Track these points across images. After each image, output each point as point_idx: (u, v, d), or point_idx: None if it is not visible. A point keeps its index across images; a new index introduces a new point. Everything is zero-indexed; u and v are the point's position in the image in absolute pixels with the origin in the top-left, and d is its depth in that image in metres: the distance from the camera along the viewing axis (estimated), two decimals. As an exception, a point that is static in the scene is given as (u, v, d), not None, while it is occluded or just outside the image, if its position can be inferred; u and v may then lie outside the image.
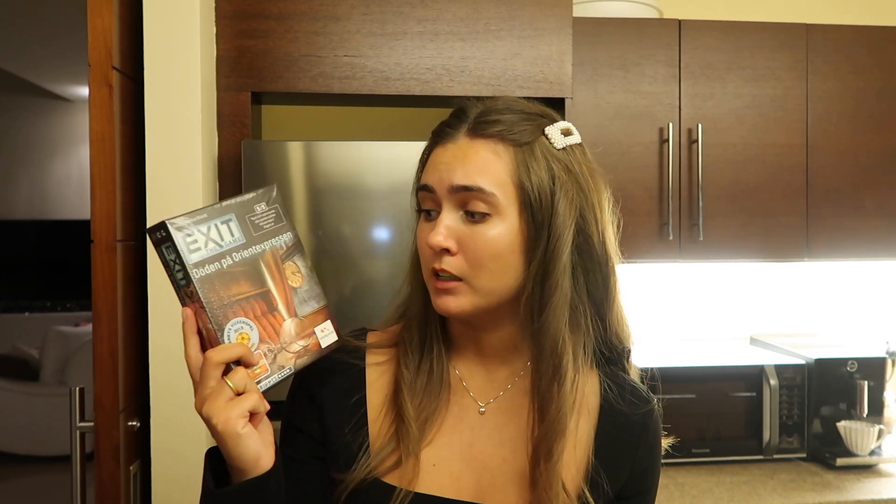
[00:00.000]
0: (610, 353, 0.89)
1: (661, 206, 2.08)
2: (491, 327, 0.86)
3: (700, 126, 2.07)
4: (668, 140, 2.07)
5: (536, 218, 0.80)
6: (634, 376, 0.93)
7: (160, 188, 1.57)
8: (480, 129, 0.82)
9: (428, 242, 0.80)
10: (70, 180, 6.56)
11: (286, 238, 0.82)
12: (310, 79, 1.80)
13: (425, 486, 0.84)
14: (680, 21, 2.09)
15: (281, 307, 0.80)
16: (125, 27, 1.57)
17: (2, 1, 4.05)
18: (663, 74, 2.08)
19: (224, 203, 0.79)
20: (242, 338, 0.77)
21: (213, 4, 1.75)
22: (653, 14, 2.18)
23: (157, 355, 1.57)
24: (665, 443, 0.92)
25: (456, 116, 0.85)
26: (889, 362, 2.19)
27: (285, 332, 0.80)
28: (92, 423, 1.53)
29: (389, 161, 1.72)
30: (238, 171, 1.73)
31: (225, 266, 0.77)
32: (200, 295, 0.75)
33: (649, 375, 0.95)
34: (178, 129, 1.58)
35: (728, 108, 2.11)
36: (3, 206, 6.46)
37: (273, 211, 0.82)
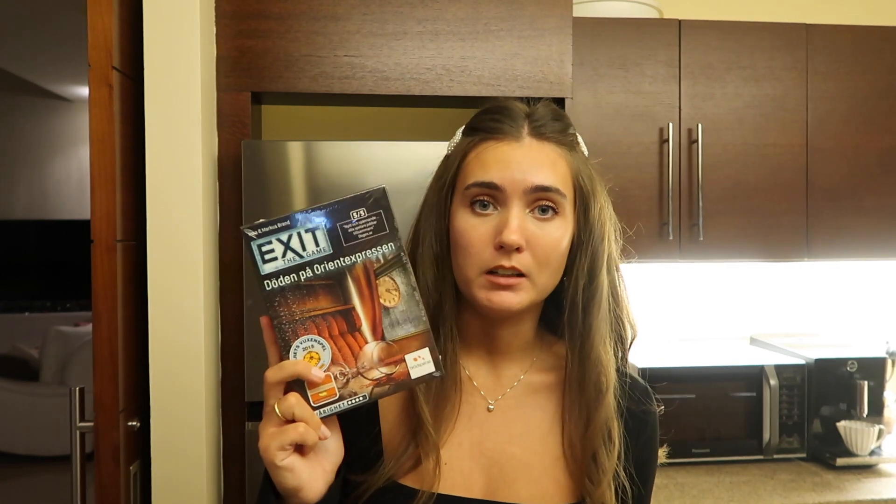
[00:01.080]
0: (619, 346, 0.91)
1: (661, 206, 2.08)
2: (511, 324, 0.88)
3: (700, 126, 2.07)
4: (668, 140, 2.07)
5: (588, 218, 0.85)
6: (631, 369, 0.95)
7: (160, 188, 1.57)
8: (544, 132, 0.85)
9: (504, 240, 0.79)
10: (70, 180, 6.56)
11: (385, 250, 0.72)
12: (310, 79, 1.80)
13: (438, 485, 0.84)
14: (680, 21, 2.09)
15: (365, 328, 0.73)
16: (125, 27, 1.57)
17: (2, 1, 4.05)
18: (663, 74, 2.08)
19: (315, 207, 0.71)
20: (311, 357, 0.72)
21: (213, 4, 1.75)
22: (653, 14, 2.18)
23: (157, 355, 1.56)
24: (661, 453, 0.94)
25: (506, 115, 0.86)
26: (889, 362, 2.19)
27: (365, 356, 0.73)
28: (92, 423, 1.53)
29: (389, 161, 1.72)
30: (238, 171, 1.73)
31: (303, 278, 0.71)
32: (268, 308, 0.71)
33: (646, 378, 0.96)
34: (178, 129, 1.58)
35: (728, 108, 2.11)
36: (3, 206, 6.46)
37: (374, 218, 0.72)
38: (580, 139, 0.89)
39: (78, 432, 1.57)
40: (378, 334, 0.73)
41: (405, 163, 1.70)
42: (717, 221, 2.10)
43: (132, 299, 1.60)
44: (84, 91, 5.95)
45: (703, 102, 2.10)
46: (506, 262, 0.80)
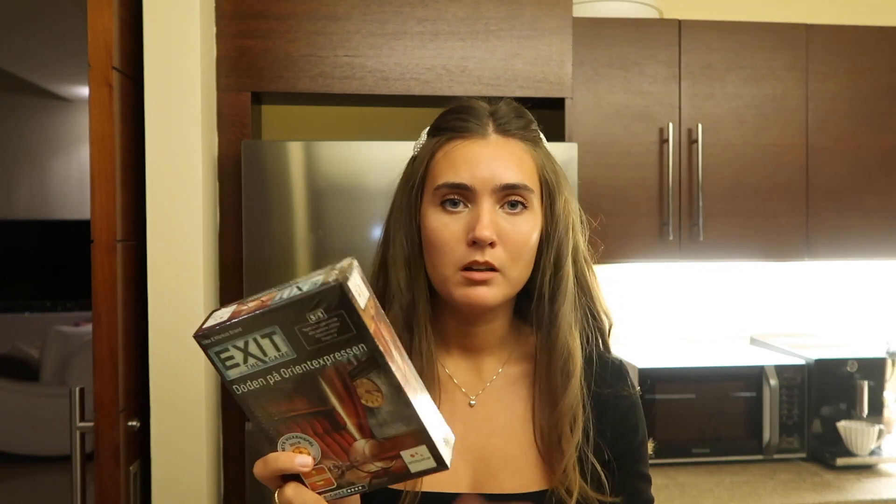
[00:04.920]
0: (593, 334, 0.93)
1: (661, 206, 2.08)
2: (487, 320, 0.90)
3: (700, 126, 2.06)
4: (668, 140, 2.07)
5: (554, 211, 0.87)
6: (629, 369, 0.97)
7: (160, 188, 1.57)
8: (509, 129, 0.87)
9: (478, 236, 0.81)
10: (70, 180, 6.55)
11: (356, 352, 0.62)
12: (310, 79, 1.80)
13: (424, 483, 0.85)
14: (680, 21, 2.09)
15: (350, 427, 0.65)
16: (125, 27, 1.57)
17: (2, 1, 4.05)
18: (663, 74, 2.08)
19: (265, 310, 0.61)
20: (300, 451, 0.67)
21: (213, 4, 1.75)
22: (653, 14, 2.18)
23: (157, 355, 1.57)
24: (650, 447, 0.95)
25: (470, 114, 0.87)
26: (889, 362, 2.19)
27: (357, 452, 0.66)
28: (92, 423, 1.53)
29: (389, 161, 1.71)
30: (238, 171, 1.73)
31: (272, 382, 0.63)
32: (245, 411, 0.66)
33: (646, 378, 0.97)
34: (178, 129, 1.58)
35: (728, 108, 2.11)
36: (3, 206, 6.46)
37: (336, 320, 0.60)
38: (542, 135, 0.92)
39: (78, 432, 1.57)
40: (366, 433, 0.65)
41: (405, 163, 1.69)
42: (717, 221, 2.10)
43: (132, 299, 1.60)
44: (84, 91, 5.95)
45: (703, 102, 2.10)
46: (480, 258, 0.82)
